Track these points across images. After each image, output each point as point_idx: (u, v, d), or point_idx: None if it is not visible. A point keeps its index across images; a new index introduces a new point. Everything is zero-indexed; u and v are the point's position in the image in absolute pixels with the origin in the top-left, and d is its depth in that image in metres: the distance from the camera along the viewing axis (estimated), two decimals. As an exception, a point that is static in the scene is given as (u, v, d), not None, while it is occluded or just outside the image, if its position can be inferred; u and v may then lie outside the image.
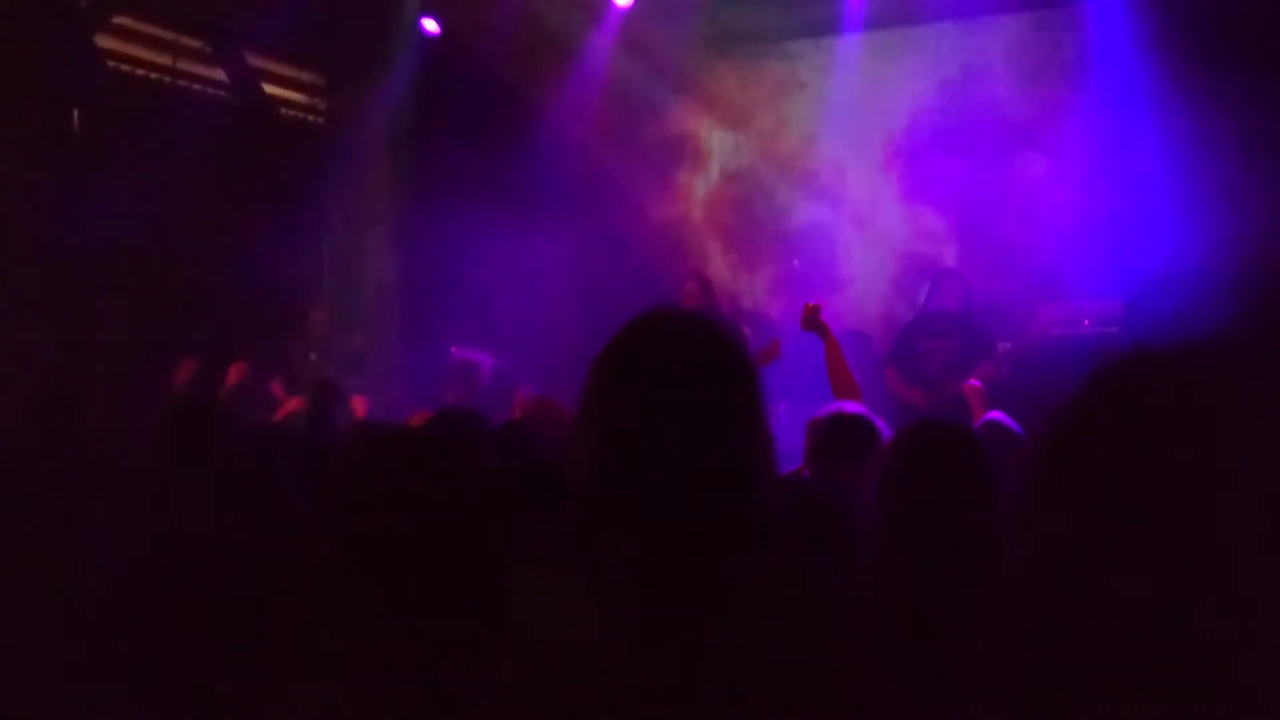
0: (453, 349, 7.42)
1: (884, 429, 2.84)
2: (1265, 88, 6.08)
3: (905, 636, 1.68)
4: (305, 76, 8.63)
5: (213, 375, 5.90)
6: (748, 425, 1.36)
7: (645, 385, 1.34)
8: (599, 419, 1.37)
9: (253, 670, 1.99)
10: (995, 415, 3.43)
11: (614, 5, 8.00)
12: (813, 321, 4.00)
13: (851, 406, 2.96)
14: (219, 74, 7.76)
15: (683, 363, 1.35)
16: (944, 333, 6.04)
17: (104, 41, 6.76)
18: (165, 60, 7.47)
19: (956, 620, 1.47)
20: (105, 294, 6.68)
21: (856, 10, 7.61)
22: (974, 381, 5.05)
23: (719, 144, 8.65)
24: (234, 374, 5.76)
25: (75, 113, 6.52)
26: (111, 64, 6.82)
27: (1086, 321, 6.65)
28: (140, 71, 7.35)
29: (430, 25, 8.21)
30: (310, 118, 8.75)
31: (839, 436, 2.82)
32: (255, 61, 7.92)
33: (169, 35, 7.43)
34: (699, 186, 8.68)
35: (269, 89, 8.20)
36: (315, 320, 7.18)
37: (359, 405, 6.14)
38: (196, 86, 7.70)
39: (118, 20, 7.10)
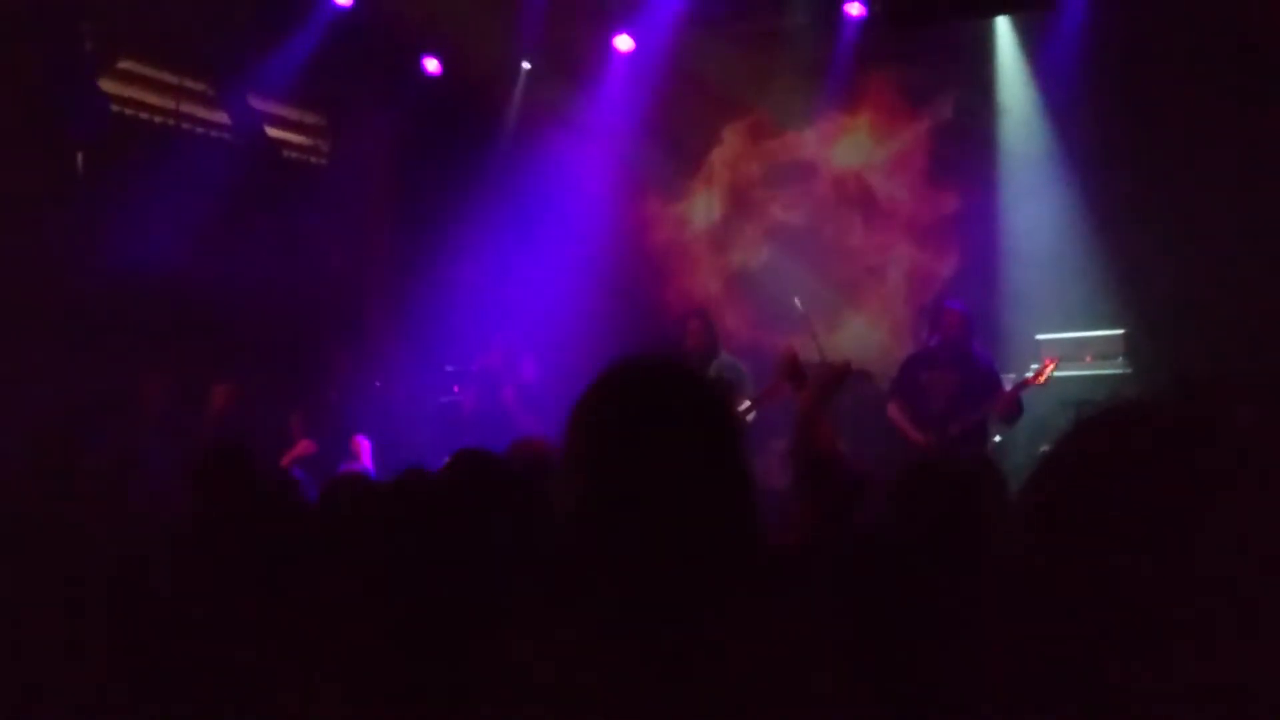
0: (455, 388, 7.43)
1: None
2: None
3: (895, 673, 1.68)
4: (307, 118, 8.69)
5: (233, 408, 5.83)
6: (730, 468, 1.36)
7: (628, 432, 1.35)
8: (583, 466, 1.38)
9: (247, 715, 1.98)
10: None
11: (615, 50, 8.08)
12: (790, 369, 3.96)
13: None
14: (222, 117, 7.82)
15: (662, 408, 1.36)
16: (946, 365, 6.03)
17: (108, 85, 6.82)
18: (169, 103, 7.54)
19: (947, 660, 1.47)
20: (109, 333, 6.71)
21: (849, 50, 7.69)
22: None
23: (722, 181, 8.69)
24: (219, 398, 5.50)
25: (79, 155, 6.57)
26: (116, 108, 6.88)
27: (1089, 357, 6.64)
28: (144, 115, 7.42)
29: (431, 66, 8.28)
30: (312, 159, 8.81)
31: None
32: (258, 104, 7.98)
33: (172, 79, 7.50)
34: (701, 221, 8.71)
35: (271, 131, 8.26)
36: (341, 360, 7.18)
37: (361, 448, 6.08)
38: (200, 129, 7.77)
39: (122, 65, 7.17)
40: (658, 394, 1.38)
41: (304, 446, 6.31)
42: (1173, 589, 1.08)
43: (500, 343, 6.84)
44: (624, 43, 8.05)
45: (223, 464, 2.86)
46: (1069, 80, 7.14)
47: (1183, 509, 1.10)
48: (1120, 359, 6.57)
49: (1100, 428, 1.28)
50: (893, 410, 6.16)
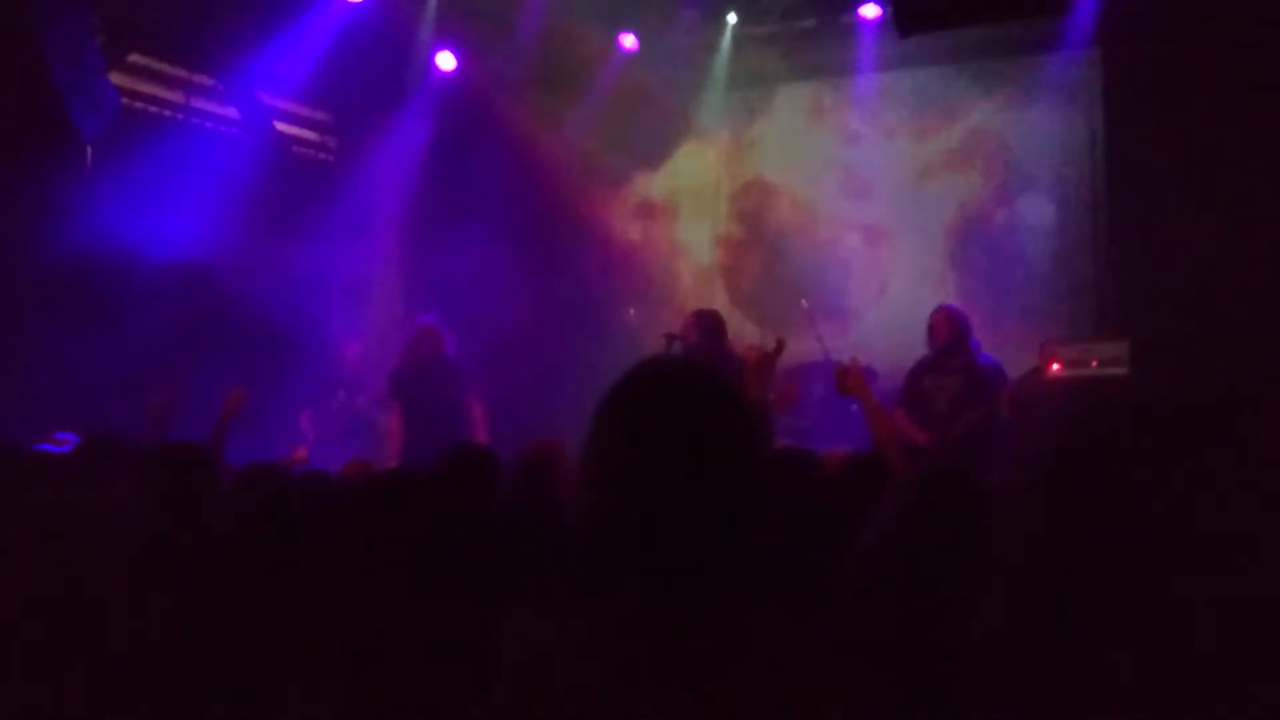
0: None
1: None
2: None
3: (903, 673, 1.68)
4: (316, 114, 8.71)
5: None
6: (749, 472, 1.36)
7: (652, 432, 1.35)
8: (604, 465, 1.38)
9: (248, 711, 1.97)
10: None
11: (621, 47, 8.09)
12: (846, 386, 3.98)
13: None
14: (231, 112, 7.84)
15: (687, 410, 1.36)
16: (949, 370, 6.03)
17: (118, 79, 6.83)
18: (178, 98, 7.55)
19: (951, 658, 1.47)
20: (116, 326, 6.72)
21: (867, 53, 7.69)
22: None
23: (727, 183, 8.69)
24: (230, 403, 5.50)
25: (89, 149, 6.58)
26: (125, 101, 6.89)
27: (1094, 362, 6.63)
28: (153, 109, 7.43)
29: (446, 62, 8.29)
30: (321, 155, 8.82)
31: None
32: (267, 99, 8.00)
33: (182, 73, 7.51)
34: (707, 226, 8.72)
35: (280, 127, 8.27)
36: (348, 356, 7.16)
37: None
38: (209, 124, 7.79)
39: (132, 58, 7.19)
40: (681, 394, 1.38)
41: (299, 453, 6.28)
42: (1161, 592, 1.09)
43: (422, 329, 6.69)
44: (630, 41, 8.07)
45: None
46: (1080, 88, 7.16)
47: (1173, 513, 1.12)
48: (1125, 367, 6.55)
49: (1088, 438, 1.29)
50: (900, 417, 6.16)
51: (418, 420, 6.32)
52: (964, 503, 1.96)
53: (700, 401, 1.37)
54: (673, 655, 1.27)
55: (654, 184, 8.78)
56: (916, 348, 6.37)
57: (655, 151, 8.69)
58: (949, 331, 6.07)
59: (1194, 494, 1.08)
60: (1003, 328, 6.94)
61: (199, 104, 7.70)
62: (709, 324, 6.40)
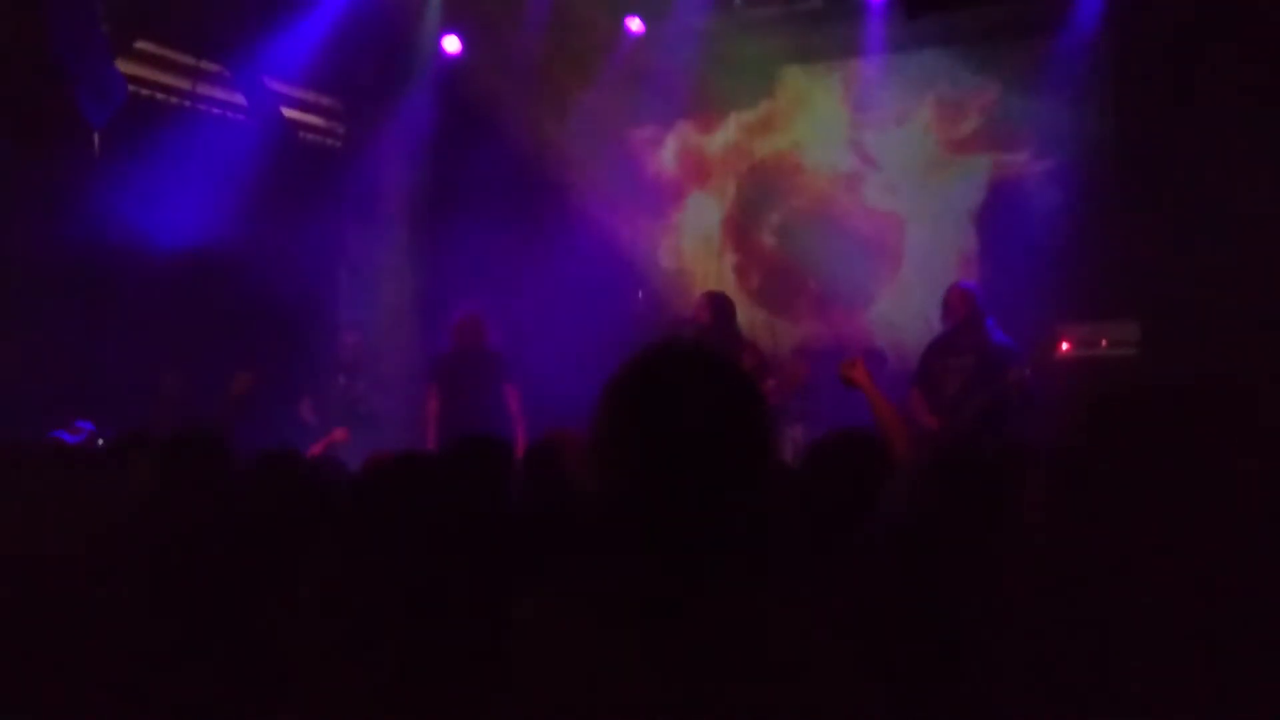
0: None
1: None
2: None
3: (910, 663, 1.68)
4: (324, 101, 8.70)
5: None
6: (759, 456, 1.36)
7: (657, 418, 1.34)
8: (610, 451, 1.38)
9: (254, 696, 1.99)
10: None
11: (629, 31, 8.07)
12: (850, 379, 3.98)
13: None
14: (238, 98, 7.84)
15: (692, 395, 1.35)
16: (964, 351, 6.01)
17: (125, 66, 6.83)
18: (185, 84, 7.55)
19: (959, 650, 1.47)
20: (124, 312, 6.74)
21: (875, 34, 7.65)
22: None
23: (734, 165, 8.67)
24: (239, 386, 5.50)
25: (96, 136, 6.59)
26: (132, 88, 6.89)
27: (1104, 342, 6.62)
28: (160, 95, 7.44)
29: (451, 45, 8.27)
30: (328, 141, 8.82)
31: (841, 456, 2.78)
32: (274, 86, 7.99)
33: (188, 60, 7.51)
34: (714, 208, 8.70)
35: (287, 113, 8.27)
36: (347, 343, 7.19)
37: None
38: (216, 110, 7.79)
39: (139, 45, 7.19)
40: (685, 376, 1.37)
41: (338, 434, 6.36)
42: (1191, 578, 1.09)
43: (466, 318, 6.80)
44: (636, 24, 8.05)
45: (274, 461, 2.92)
46: (1089, 69, 7.11)
47: (1203, 495, 1.11)
48: (1135, 348, 6.53)
49: (1115, 417, 1.28)
50: (911, 397, 6.14)
51: (455, 407, 6.44)
52: (968, 492, 1.97)
53: (705, 386, 1.36)
54: (680, 640, 1.27)
55: (661, 167, 8.77)
56: (927, 330, 6.36)
57: (661, 134, 8.67)
58: (964, 309, 6.06)
59: (1195, 490, 1.08)
60: (1013, 308, 6.91)
61: (206, 91, 7.70)
62: (720, 305, 6.42)
